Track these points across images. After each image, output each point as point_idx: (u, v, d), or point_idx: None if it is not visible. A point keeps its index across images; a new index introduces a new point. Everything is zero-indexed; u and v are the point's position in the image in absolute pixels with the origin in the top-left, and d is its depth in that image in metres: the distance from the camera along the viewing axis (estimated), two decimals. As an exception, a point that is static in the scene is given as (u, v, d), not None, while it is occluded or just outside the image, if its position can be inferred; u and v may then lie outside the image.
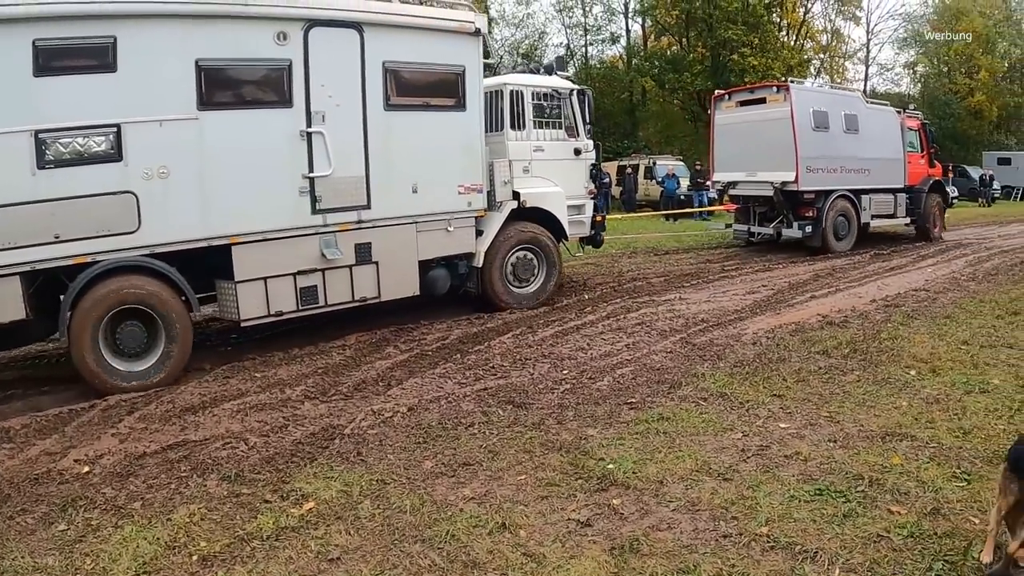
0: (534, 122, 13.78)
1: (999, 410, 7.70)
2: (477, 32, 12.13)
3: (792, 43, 55.85)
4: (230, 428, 7.62)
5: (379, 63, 11.08)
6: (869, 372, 9.10)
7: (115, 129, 9.01)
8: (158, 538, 5.31)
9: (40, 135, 8.57)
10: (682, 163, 39.64)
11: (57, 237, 8.80)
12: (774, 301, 13.79)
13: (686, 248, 22.61)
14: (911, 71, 70.49)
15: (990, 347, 10.32)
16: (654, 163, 38.92)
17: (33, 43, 8.42)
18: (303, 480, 6.26)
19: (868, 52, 66.56)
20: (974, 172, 49.19)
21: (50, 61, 8.57)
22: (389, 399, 8.42)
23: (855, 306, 13.22)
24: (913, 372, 9.09)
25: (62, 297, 9.10)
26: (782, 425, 7.32)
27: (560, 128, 14.20)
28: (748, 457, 6.54)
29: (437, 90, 11.95)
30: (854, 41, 67.14)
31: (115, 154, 9.05)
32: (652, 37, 60.33)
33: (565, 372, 9.30)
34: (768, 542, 5.07)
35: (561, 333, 11.32)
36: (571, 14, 59.74)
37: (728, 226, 23.43)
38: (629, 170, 39.02)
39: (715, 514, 5.48)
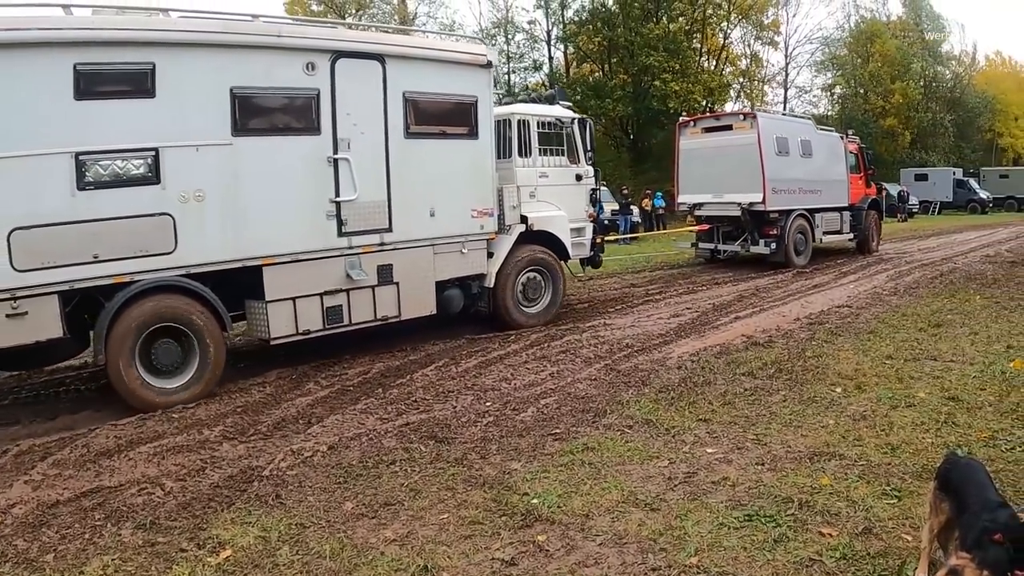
0: (539, 149, 14.51)
1: (926, 424, 7.73)
2: (488, 64, 12.90)
3: (712, 68, 56.72)
4: (146, 472, 7.26)
5: (400, 93, 11.62)
6: (795, 391, 9.09)
7: (153, 153, 9.36)
8: (70, 593, 5.02)
9: (80, 157, 8.84)
10: (606, 188, 39.77)
11: (96, 257, 9.06)
12: (698, 324, 13.77)
13: (610, 273, 22.51)
14: (829, 93, 72.00)
15: (914, 360, 10.43)
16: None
17: (74, 67, 8.72)
18: (220, 526, 5.95)
19: (787, 75, 67.95)
20: (892, 189, 50.27)
21: (90, 85, 8.89)
22: (309, 437, 8.11)
23: (779, 325, 13.29)
24: (839, 389, 9.11)
25: (87, 316, 9.58)
26: (709, 450, 7.21)
27: (563, 155, 14.99)
28: (675, 485, 6.40)
29: (452, 119, 12.55)
30: (772, 65, 68.40)
31: (153, 177, 9.39)
32: (574, 64, 60.92)
33: (488, 404, 9.08)
34: (698, 573, 4.93)
35: (484, 364, 11.11)
36: (494, 42, 60.09)
37: (694, 245, 24.24)
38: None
39: (643, 546, 5.31)
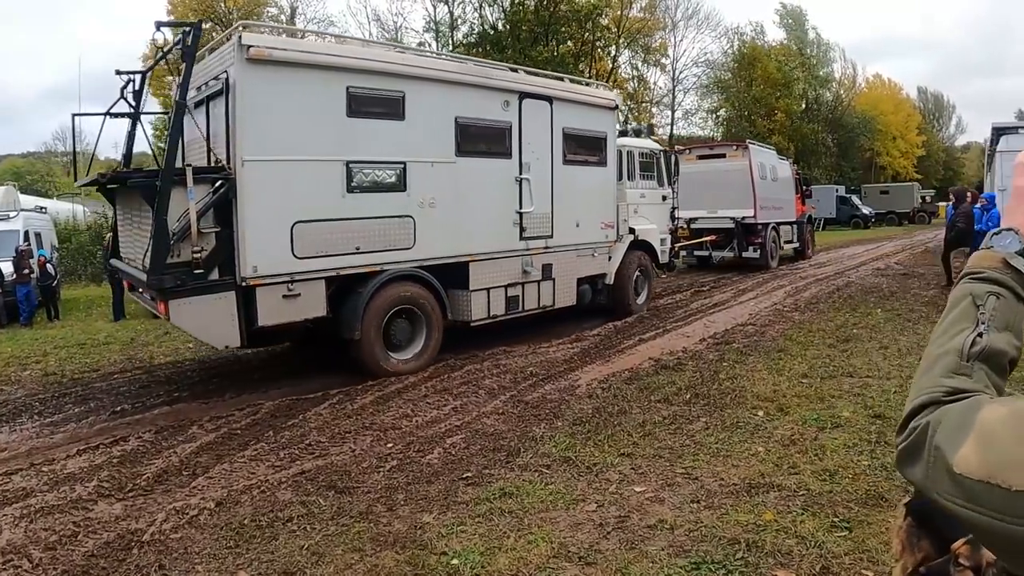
0: (640, 175, 18.05)
1: (858, 445, 7.45)
2: (615, 107, 16.27)
3: (601, 91, 57.03)
4: (12, 540, 6.24)
5: (560, 128, 14.56)
6: (716, 417, 8.69)
7: (402, 165, 11.73)
8: None
9: (350, 165, 11.07)
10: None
11: (357, 249, 11.25)
12: (602, 347, 13.48)
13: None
14: (714, 115, 73.03)
15: (831, 378, 10.29)
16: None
17: (347, 89, 10.93)
18: (95, 607, 5.12)
19: (674, 97, 68.59)
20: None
21: (359, 106, 11.09)
22: (195, 492, 7.20)
23: (686, 346, 13.07)
24: (761, 413, 8.77)
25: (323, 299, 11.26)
26: (637, 489, 6.63)
27: (653, 179, 18.66)
28: (608, 532, 5.76)
29: (590, 150, 15.53)
30: (660, 87, 69.02)
31: (401, 185, 11.75)
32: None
33: (390, 445, 8.29)
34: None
35: (382, 399, 10.35)
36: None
37: (690, 253, 27.77)
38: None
39: (584, 608, 4.66)
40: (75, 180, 13.80)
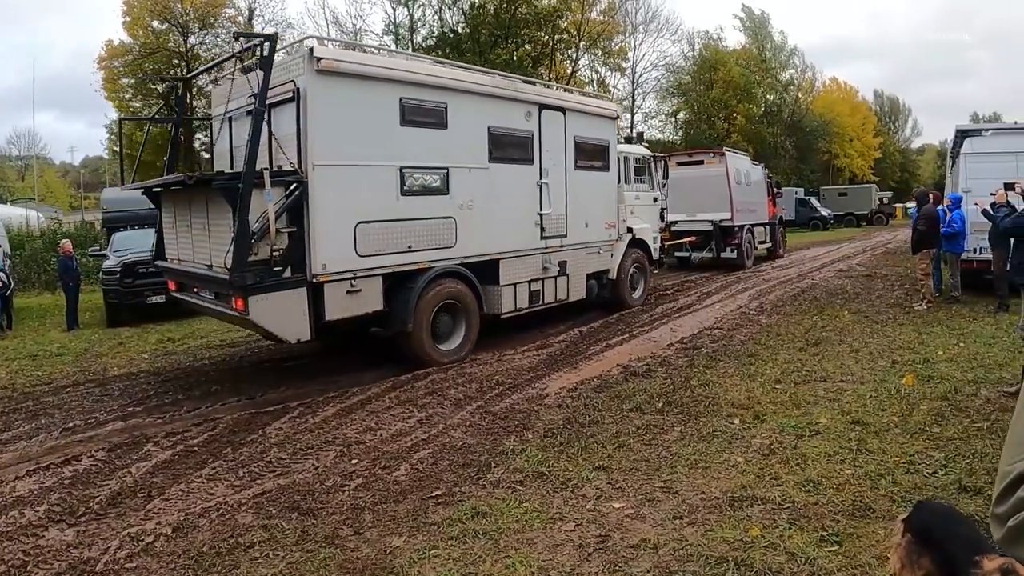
0: (634, 178, 19.53)
1: (839, 453, 7.29)
2: (616, 117, 17.88)
3: (560, 94, 57.00)
4: None
5: (572, 137, 15.81)
6: (691, 426, 8.46)
7: (445, 171, 12.71)
8: None
9: (403, 170, 11.98)
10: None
11: (410, 247, 12.15)
12: (569, 353, 13.25)
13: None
14: (673, 119, 73.14)
15: (804, 383, 10.16)
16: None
17: (400, 100, 11.88)
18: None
19: (633, 100, 68.47)
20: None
21: (410, 115, 12.02)
22: (150, 515, 6.79)
23: (654, 352, 12.90)
24: (737, 421, 8.57)
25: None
26: (616, 505, 6.33)
27: (645, 182, 20.22)
28: (589, 554, 5.44)
29: (595, 156, 16.83)
30: (620, 90, 68.83)
31: (444, 189, 12.73)
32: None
33: (355, 461, 7.93)
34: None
35: (344, 411, 9.98)
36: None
37: (671, 254, 28.16)
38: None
39: (569, 640, 4.35)
40: (121, 183, 15.05)
